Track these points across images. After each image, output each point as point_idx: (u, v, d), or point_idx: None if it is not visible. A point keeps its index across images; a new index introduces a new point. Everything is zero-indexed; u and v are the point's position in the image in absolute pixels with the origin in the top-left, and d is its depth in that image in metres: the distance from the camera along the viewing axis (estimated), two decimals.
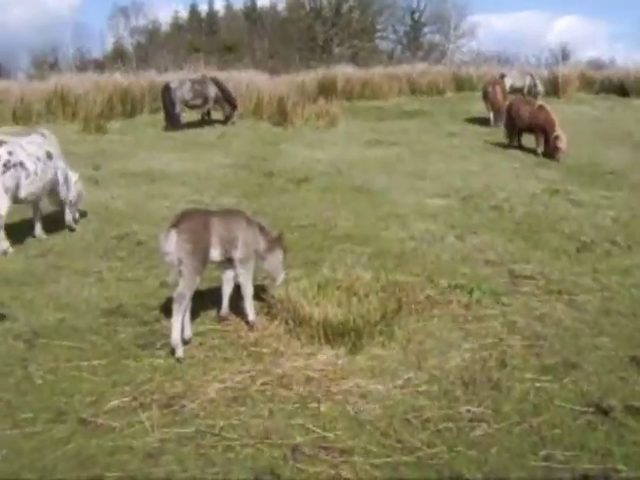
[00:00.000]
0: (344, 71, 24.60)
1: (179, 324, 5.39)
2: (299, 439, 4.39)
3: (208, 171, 12.77)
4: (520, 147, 15.75)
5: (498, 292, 6.98)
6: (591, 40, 70.12)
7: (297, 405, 4.79)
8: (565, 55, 47.75)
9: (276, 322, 5.93)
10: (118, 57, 36.26)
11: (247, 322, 5.98)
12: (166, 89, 16.30)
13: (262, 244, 6.00)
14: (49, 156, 8.24)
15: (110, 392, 4.88)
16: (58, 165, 8.49)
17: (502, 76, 21.39)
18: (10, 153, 7.63)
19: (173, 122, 16.55)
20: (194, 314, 5.85)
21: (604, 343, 5.84)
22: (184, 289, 5.41)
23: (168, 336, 5.57)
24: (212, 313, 6.28)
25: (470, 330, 6.11)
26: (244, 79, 20.51)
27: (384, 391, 5.03)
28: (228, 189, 11.48)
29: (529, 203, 11.07)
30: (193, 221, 5.53)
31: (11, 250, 7.81)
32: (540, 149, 15.01)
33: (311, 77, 23.84)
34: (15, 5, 67.92)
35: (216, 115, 18.12)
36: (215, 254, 5.67)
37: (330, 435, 4.46)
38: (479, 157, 15.00)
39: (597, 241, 8.87)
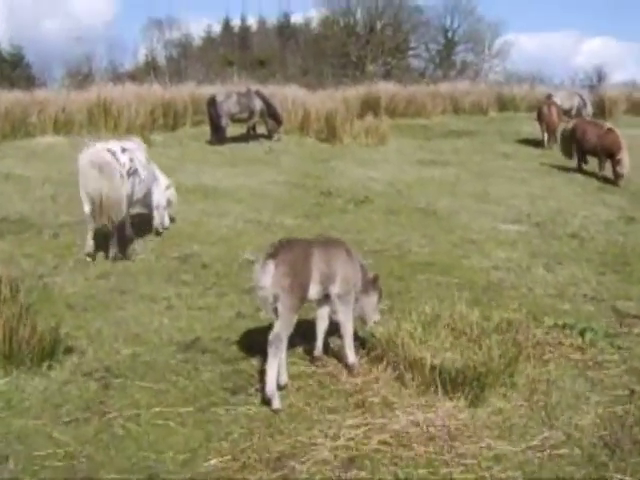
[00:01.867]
0: (386, 88, 23.92)
1: (275, 371, 4.69)
2: None
3: (262, 188, 12.12)
4: (581, 170, 14.98)
5: (610, 334, 6.24)
6: (619, 62, 68.91)
7: (425, 470, 4.08)
8: (601, 76, 46.66)
9: (380, 366, 5.21)
10: (151, 69, 35.82)
11: (346, 365, 5.28)
12: (212, 102, 15.70)
13: (359, 282, 5.31)
14: (148, 162, 8.29)
15: (204, 448, 4.20)
16: (153, 170, 8.53)
17: (549, 96, 20.57)
18: (132, 160, 7.65)
19: (219, 136, 15.94)
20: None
21: None
22: (280, 330, 4.72)
23: (259, 380, 4.91)
24: (298, 350, 5.59)
25: (594, 379, 5.39)
26: (286, 94, 19.89)
27: (520, 454, 4.31)
28: (285, 208, 10.82)
29: (606, 231, 10.34)
30: (293, 252, 4.83)
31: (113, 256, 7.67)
32: (602, 173, 14.26)
33: (353, 94, 23.17)
34: (49, 17, 68.10)
35: (259, 129, 17.52)
36: (314, 291, 4.98)
37: None
38: (539, 180, 14.25)
39: None
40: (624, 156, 13.75)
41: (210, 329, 6.02)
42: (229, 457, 4.08)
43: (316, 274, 4.93)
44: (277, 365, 4.72)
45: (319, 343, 5.40)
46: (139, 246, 8.30)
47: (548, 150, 17.51)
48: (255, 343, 5.64)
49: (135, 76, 36.59)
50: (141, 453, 4.09)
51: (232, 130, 16.90)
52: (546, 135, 17.66)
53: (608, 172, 14.18)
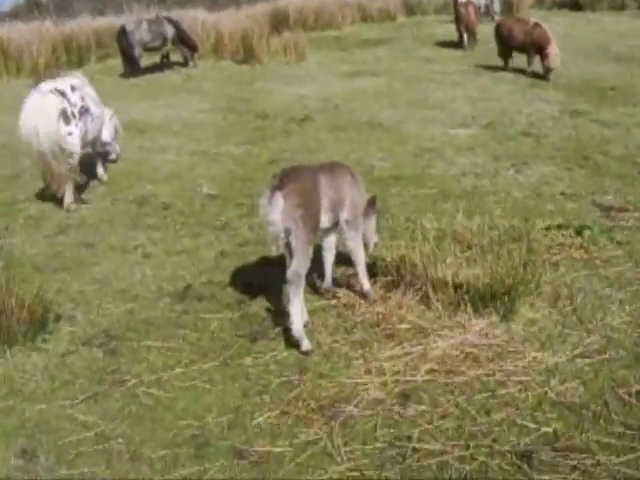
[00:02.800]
0: (294, 1, 22.94)
1: (299, 310, 4.32)
2: (517, 439, 3.47)
3: (194, 117, 11.39)
4: (508, 69, 14.80)
5: (606, 229, 6.14)
6: None
7: (483, 395, 3.85)
8: None
9: (398, 291, 4.89)
10: (33, 7, 33.18)
11: (361, 294, 4.95)
12: (122, 32, 14.50)
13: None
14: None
15: (246, 405, 3.81)
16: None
17: None
18: (83, 98, 6.95)
19: (133, 67, 14.84)
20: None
21: None
22: (298, 267, 4.31)
23: (275, 323, 4.55)
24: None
25: (609, 277, 5.26)
26: (192, 17, 18.71)
27: (569, 364, 4.14)
28: (226, 136, 10.19)
29: (555, 127, 10.23)
30: (300, 181, 4.39)
31: (73, 207, 6.97)
32: (531, 68, 14.13)
33: (259, 11, 22.14)
34: None
35: (173, 57, 16.47)
36: (325, 220, 4.58)
37: (548, 429, 3.54)
38: (471, 82, 13.99)
39: None
40: (553, 49, 13.60)
41: (197, 273, 5.55)
42: (277, 411, 3.72)
43: (326, 201, 4.52)
44: (300, 304, 4.35)
45: (328, 275, 5.03)
46: (90, 192, 7.60)
47: (470, 51, 17.26)
48: (251, 282, 5.27)
49: (17, 15, 33.86)
50: (180, 422, 3.67)
51: (145, 60, 15.83)
52: (465, 36, 17.35)
53: (538, 67, 14.06)
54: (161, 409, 3.79)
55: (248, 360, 4.25)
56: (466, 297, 4.59)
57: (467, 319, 4.56)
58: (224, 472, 3.27)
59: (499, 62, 14.95)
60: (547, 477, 3.22)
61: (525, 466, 3.28)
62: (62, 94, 6.63)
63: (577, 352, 4.26)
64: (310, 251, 4.39)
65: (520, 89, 13.20)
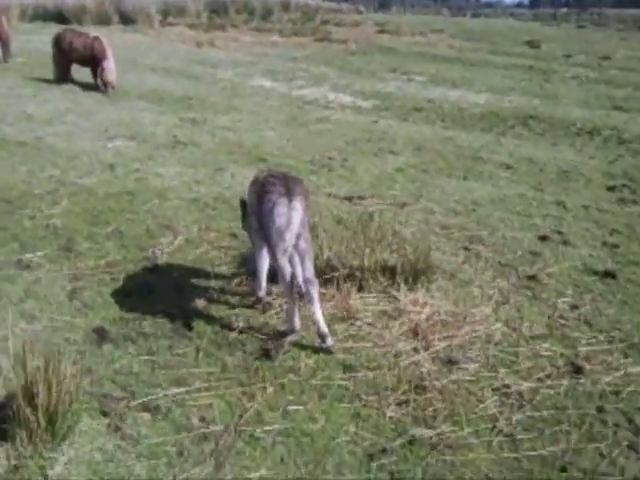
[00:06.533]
0: None
1: (320, 309, 4.52)
2: None
3: None
4: (73, 81, 14.63)
5: None
6: None
7: (503, 349, 4.80)
8: None
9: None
10: None
11: None
12: None
13: None
14: None
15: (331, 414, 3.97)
16: None
17: None
18: None
19: None
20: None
21: None
22: (312, 268, 4.55)
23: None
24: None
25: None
26: None
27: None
28: None
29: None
30: (302, 186, 4.59)
31: None
32: (99, 82, 14.30)
33: None
34: None
35: None
36: None
37: None
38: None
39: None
40: (110, 63, 13.89)
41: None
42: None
43: None
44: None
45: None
46: None
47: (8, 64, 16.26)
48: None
49: None
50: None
51: None
52: (1, 49, 16.24)
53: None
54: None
55: (268, 373, 4.26)
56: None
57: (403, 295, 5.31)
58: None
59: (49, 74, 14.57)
60: None
61: None
62: None
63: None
64: None
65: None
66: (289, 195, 4.39)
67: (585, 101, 16.02)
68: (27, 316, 4.92)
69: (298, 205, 4.37)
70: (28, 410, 3.16)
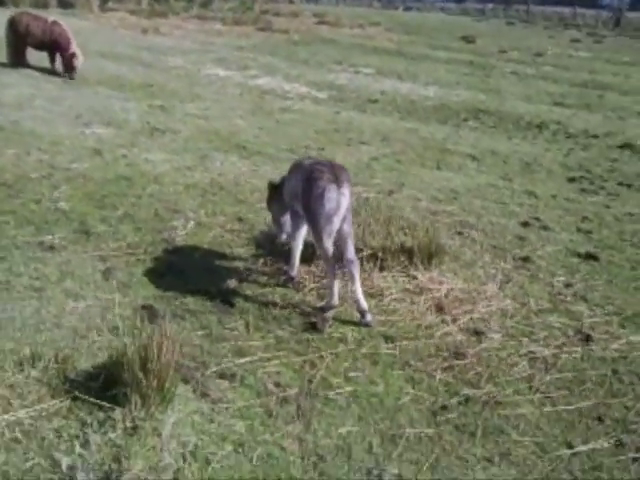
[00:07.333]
0: None
1: (360, 288, 4.95)
2: None
3: None
4: (29, 65, 14.41)
5: None
6: None
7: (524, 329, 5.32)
8: None
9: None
10: None
11: None
12: None
13: None
14: None
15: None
16: None
17: None
18: None
19: None
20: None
21: None
22: (354, 249, 4.96)
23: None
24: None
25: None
26: None
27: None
28: None
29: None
30: (345, 170, 4.97)
31: None
32: (58, 66, 14.17)
33: None
34: None
35: None
36: None
37: None
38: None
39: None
40: (75, 48, 13.86)
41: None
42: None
43: None
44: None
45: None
46: None
47: None
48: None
49: None
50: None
51: None
52: None
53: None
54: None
55: (322, 344, 4.67)
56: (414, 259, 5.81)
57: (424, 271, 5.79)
58: None
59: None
60: None
61: None
62: None
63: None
64: None
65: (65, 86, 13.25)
66: (338, 182, 4.77)
67: (527, 96, 16.85)
68: (71, 295, 5.12)
69: (346, 191, 4.77)
70: (141, 375, 3.45)
